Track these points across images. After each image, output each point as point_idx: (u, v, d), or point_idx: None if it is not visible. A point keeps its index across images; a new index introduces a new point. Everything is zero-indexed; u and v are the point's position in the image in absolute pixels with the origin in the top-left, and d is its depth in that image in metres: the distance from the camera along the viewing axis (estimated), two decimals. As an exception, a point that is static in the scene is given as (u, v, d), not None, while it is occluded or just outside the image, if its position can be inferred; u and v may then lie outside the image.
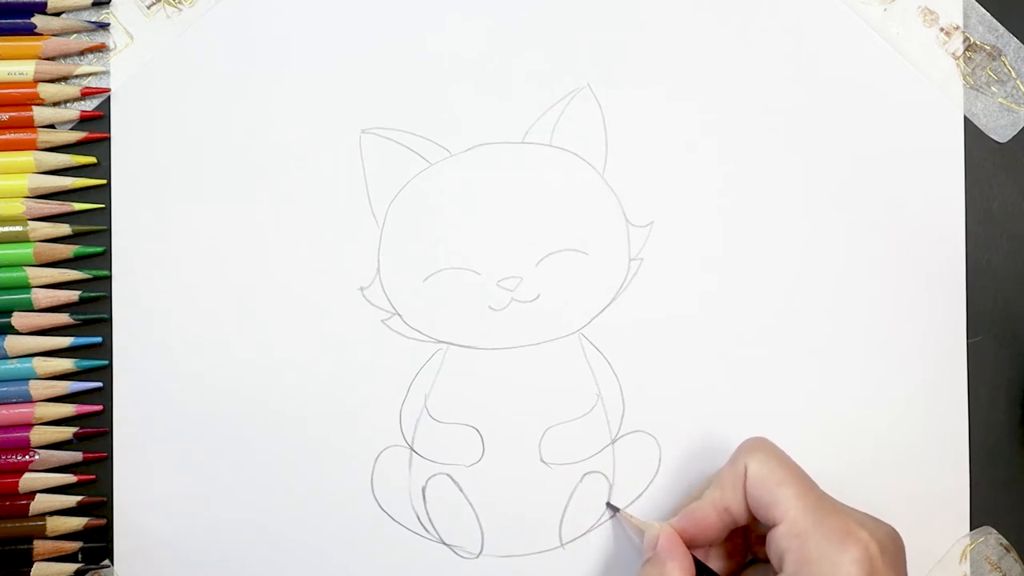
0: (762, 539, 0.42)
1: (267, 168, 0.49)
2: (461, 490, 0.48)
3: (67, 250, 0.48)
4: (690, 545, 0.42)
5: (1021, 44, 0.50)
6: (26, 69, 0.48)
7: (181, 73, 0.49)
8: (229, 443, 0.48)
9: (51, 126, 0.48)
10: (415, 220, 0.49)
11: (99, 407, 0.47)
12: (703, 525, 0.42)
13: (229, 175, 0.49)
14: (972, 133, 0.50)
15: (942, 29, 0.50)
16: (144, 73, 0.49)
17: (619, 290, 0.49)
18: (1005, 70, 0.50)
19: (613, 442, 0.48)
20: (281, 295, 0.48)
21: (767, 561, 0.42)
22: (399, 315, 0.48)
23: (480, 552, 0.48)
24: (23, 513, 0.47)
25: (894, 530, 0.41)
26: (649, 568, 0.42)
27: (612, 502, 0.48)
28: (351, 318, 0.48)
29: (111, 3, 0.49)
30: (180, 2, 0.49)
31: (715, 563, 0.44)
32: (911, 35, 0.50)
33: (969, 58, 0.50)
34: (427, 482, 0.48)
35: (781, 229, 0.49)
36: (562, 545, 0.48)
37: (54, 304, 0.48)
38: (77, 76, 0.48)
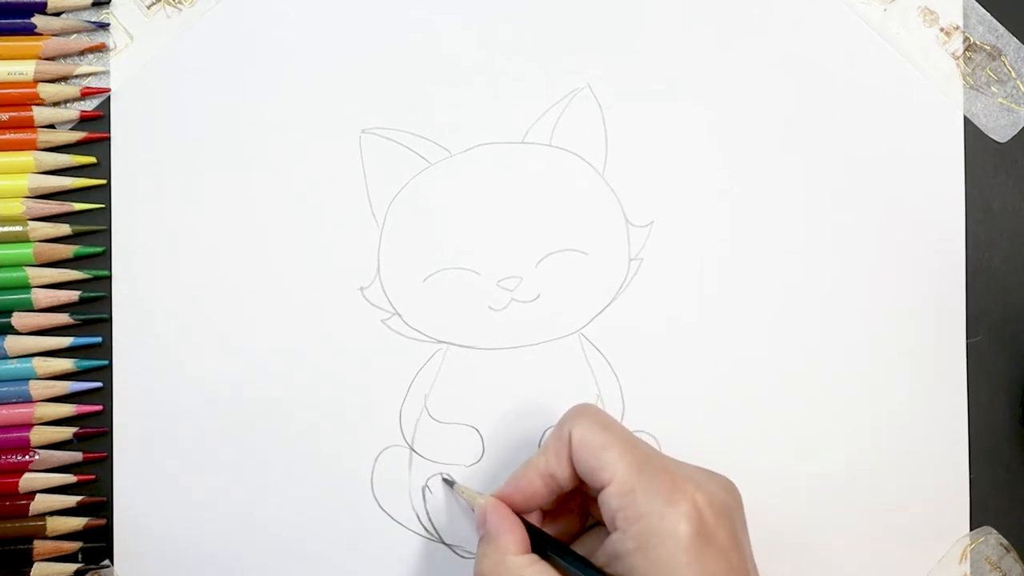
0: (596, 503, 0.42)
1: (267, 168, 0.49)
2: (461, 490, 0.48)
3: (67, 250, 0.48)
4: (519, 512, 0.42)
5: (1021, 44, 0.50)
6: (26, 69, 0.48)
7: (181, 73, 0.49)
8: (229, 442, 0.48)
9: (51, 126, 0.48)
10: (415, 220, 0.49)
11: (99, 407, 0.47)
12: (528, 492, 0.42)
13: (229, 175, 0.49)
14: (972, 133, 0.50)
15: (942, 29, 0.50)
16: (144, 73, 0.49)
17: (619, 290, 0.49)
18: (1005, 70, 0.50)
19: (613, 442, 0.48)
20: (281, 295, 0.48)
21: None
22: (399, 315, 0.48)
23: (480, 552, 0.48)
24: (23, 513, 0.47)
25: (728, 481, 0.40)
26: (484, 546, 0.41)
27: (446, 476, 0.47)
28: (351, 318, 0.48)
29: (111, 3, 0.49)
30: (180, 2, 0.49)
31: (554, 528, 0.44)
32: (911, 35, 0.50)
33: (969, 58, 0.50)
34: (427, 482, 0.48)
35: (781, 229, 0.49)
36: (562, 545, 0.48)
37: (54, 304, 0.48)
38: (77, 76, 0.48)
